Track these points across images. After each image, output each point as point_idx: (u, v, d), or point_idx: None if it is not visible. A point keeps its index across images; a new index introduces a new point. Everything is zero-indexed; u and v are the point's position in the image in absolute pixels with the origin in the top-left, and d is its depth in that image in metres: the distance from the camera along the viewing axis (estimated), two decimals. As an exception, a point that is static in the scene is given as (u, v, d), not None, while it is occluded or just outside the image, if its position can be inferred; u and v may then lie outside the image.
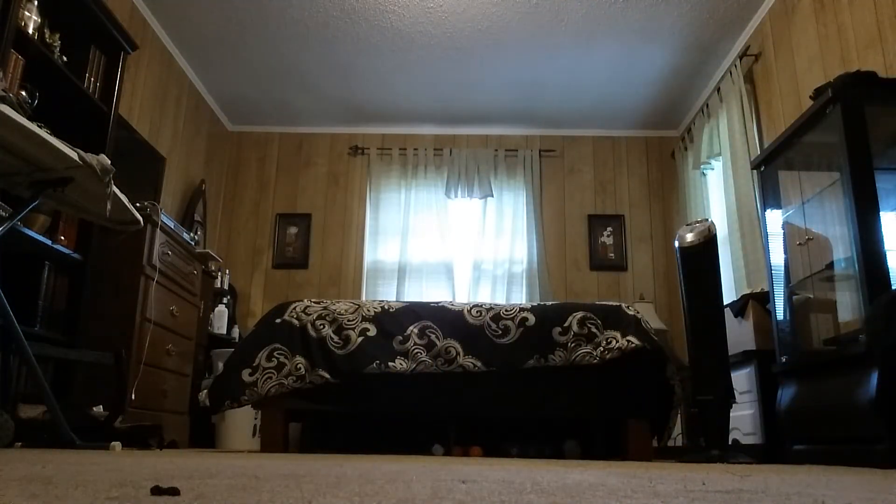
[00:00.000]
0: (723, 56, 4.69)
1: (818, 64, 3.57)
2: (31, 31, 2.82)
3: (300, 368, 2.78)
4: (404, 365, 2.75)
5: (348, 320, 2.87)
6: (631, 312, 2.85)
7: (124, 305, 3.25)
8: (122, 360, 2.74)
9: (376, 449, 3.10)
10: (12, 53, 2.66)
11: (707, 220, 3.01)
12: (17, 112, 1.94)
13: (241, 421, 4.16)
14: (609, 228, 5.64)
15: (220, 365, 3.71)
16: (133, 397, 3.14)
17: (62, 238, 2.92)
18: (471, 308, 2.90)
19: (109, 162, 2.26)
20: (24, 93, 2.76)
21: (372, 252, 5.56)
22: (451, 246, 5.52)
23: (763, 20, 4.20)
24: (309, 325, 2.87)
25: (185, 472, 1.08)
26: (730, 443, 3.04)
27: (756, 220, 4.05)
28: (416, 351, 2.78)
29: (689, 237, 2.97)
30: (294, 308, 2.96)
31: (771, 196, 3.22)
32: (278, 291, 5.54)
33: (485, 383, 2.82)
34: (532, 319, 2.84)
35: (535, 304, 2.95)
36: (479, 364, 2.76)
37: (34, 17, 2.86)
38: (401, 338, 2.82)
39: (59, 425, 2.19)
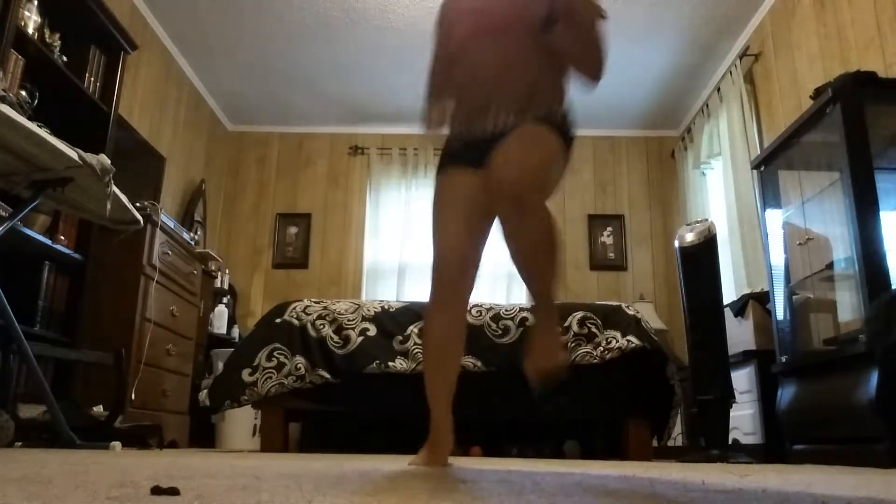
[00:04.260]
0: (723, 56, 4.69)
1: (818, 64, 3.57)
2: (31, 31, 2.82)
3: (300, 368, 2.78)
4: (404, 365, 2.75)
5: (348, 320, 2.87)
6: (631, 312, 2.85)
7: (124, 305, 3.25)
8: (122, 360, 2.74)
9: (376, 449, 3.09)
10: (12, 53, 2.66)
11: (707, 220, 3.02)
12: (17, 112, 1.94)
13: (241, 421, 4.16)
14: (609, 228, 5.64)
15: (220, 365, 3.71)
16: (133, 397, 3.14)
17: (62, 238, 2.92)
18: (471, 308, 2.90)
19: (109, 162, 2.26)
20: (24, 93, 2.76)
21: (372, 252, 5.56)
22: (451, 246, 5.51)
23: (763, 20, 4.20)
24: (309, 325, 2.87)
25: (185, 472, 1.08)
26: (730, 443, 3.03)
27: (756, 220, 4.04)
28: (416, 351, 2.78)
29: (689, 237, 2.97)
30: (294, 308, 2.96)
31: (771, 196, 3.22)
32: (278, 291, 5.53)
33: (485, 383, 2.81)
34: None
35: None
36: (479, 364, 2.76)
37: (34, 17, 2.86)
38: (401, 338, 2.82)
39: (59, 425, 2.19)
